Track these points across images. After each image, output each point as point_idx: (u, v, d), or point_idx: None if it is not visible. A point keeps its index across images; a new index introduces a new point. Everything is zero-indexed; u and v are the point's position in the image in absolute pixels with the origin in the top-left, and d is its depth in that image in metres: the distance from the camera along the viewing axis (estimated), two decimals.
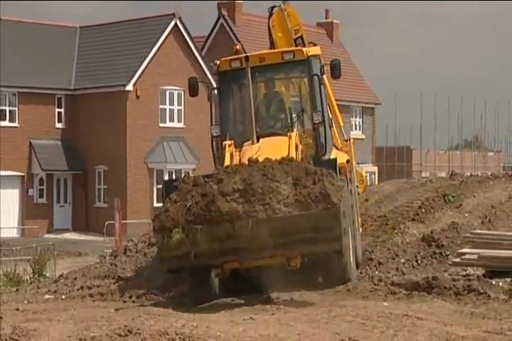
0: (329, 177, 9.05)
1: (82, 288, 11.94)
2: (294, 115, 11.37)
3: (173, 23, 37.90)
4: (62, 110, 38.54)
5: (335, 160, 10.20)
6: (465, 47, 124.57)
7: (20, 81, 36.69)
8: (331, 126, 11.88)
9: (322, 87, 11.30)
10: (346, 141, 13.31)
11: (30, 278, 17.48)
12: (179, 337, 7.24)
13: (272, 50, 12.61)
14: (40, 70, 37.54)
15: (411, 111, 78.31)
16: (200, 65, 37.63)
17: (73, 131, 38.30)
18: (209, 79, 31.55)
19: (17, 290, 13.29)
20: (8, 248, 24.09)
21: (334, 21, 47.83)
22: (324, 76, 11.65)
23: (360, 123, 47.20)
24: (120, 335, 7.31)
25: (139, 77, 37.12)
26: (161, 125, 38.16)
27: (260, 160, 9.45)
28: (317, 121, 10.95)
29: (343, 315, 8.46)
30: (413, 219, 14.90)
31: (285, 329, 7.74)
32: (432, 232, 13.66)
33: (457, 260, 11.56)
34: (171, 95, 38.52)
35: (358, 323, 8.07)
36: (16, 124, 37.25)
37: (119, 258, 13.99)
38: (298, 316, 8.56)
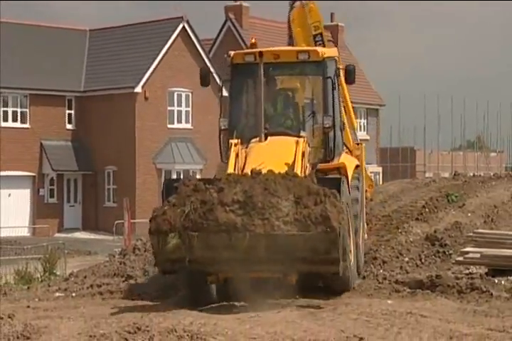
0: (331, 199, 8.76)
1: (91, 286, 11.95)
2: (304, 116, 11.14)
3: (181, 26, 38.06)
4: (72, 111, 38.72)
5: (339, 179, 9.75)
6: (470, 48, 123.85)
7: (31, 83, 36.90)
8: (342, 130, 11.68)
9: (335, 90, 11.01)
10: (357, 144, 13.10)
11: (41, 277, 17.39)
12: (187, 334, 7.30)
13: (288, 48, 12.36)
14: (51, 72, 37.73)
15: (414, 112, 78.28)
16: (208, 68, 37.73)
17: (83, 132, 38.49)
18: (216, 80, 31.71)
19: (28, 288, 13.29)
20: (20, 247, 24.24)
21: (339, 24, 47.73)
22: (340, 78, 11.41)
23: (365, 124, 47.23)
24: (129, 332, 7.36)
25: (148, 79, 37.27)
26: (169, 126, 38.31)
27: (264, 170, 9.22)
28: (327, 125, 10.70)
29: (348, 313, 8.53)
30: (417, 219, 14.97)
31: (291, 327, 7.80)
32: (435, 231, 13.74)
33: (460, 259, 11.61)
34: (179, 97, 38.68)
35: (363, 321, 8.13)
36: (27, 125, 37.45)
37: (128, 257, 14.06)
38: (303, 314, 8.62)
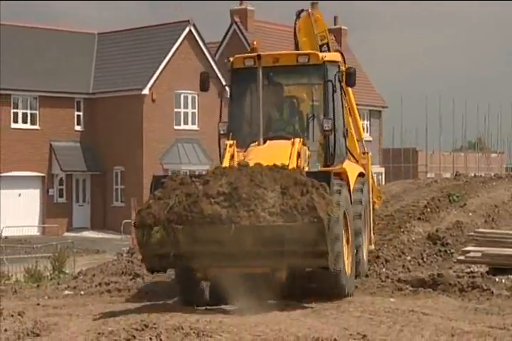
0: (320, 190, 8.42)
1: (100, 284, 12.00)
2: (304, 120, 10.85)
3: (187, 29, 38.30)
4: (81, 113, 38.95)
5: (329, 172, 9.34)
6: (470, 48, 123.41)
7: (41, 85, 37.15)
8: (346, 136, 11.35)
9: (336, 93, 10.74)
10: (364, 153, 12.82)
11: (50, 275, 17.48)
12: (193, 332, 7.30)
13: (287, 51, 11.97)
14: (61, 75, 37.98)
15: (416, 114, 78.44)
16: (214, 70, 37.98)
17: (92, 134, 38.72)
18: (221, 82, 31.97)
19: (38, 286, 13.34)
20: (30, 246, 24.49)
21: (343, 27, 47.68)
22: (343, 84, 11.07)
23: (368, 125, 47.28)
24: (137, 330, 7.36)
25: (155, 81, 37.49)
26: (175, 127, 38.53)
27: (252, 164, 8.97)
28: (327, 128, 10.34)
29: (351, 311, 8.55)
30: (419, 218, 15.05)
31: (295, 324, 7.78)
32: (437, 231, 13.83)
33: (461, 258, 11.70)
34: (186, 99, 38.89)
35: (366, 318, 8.14)
36: (36, 127, 37.71)
37: (135, 256, 14.10)
38: (307, 312, 8.64)
